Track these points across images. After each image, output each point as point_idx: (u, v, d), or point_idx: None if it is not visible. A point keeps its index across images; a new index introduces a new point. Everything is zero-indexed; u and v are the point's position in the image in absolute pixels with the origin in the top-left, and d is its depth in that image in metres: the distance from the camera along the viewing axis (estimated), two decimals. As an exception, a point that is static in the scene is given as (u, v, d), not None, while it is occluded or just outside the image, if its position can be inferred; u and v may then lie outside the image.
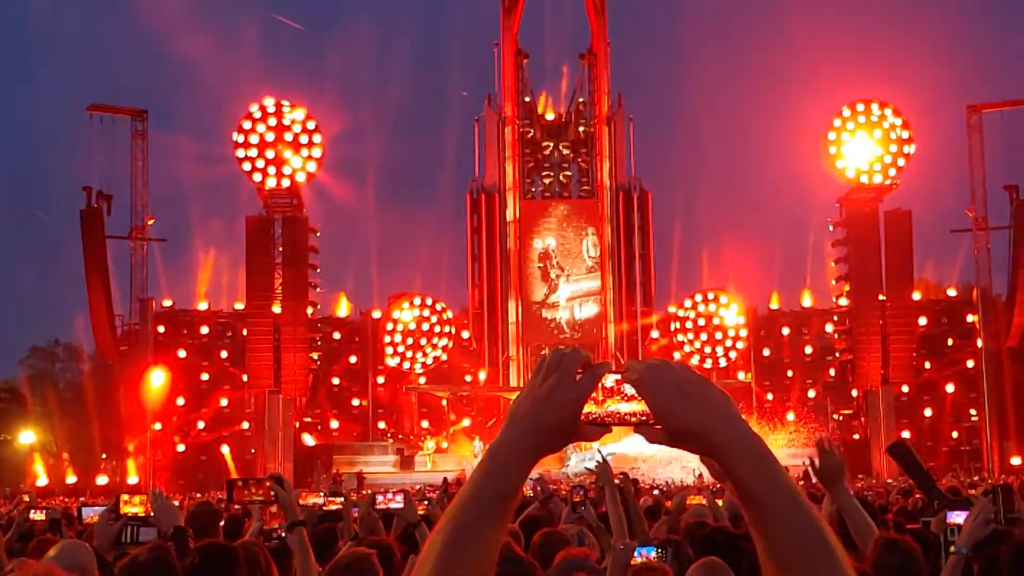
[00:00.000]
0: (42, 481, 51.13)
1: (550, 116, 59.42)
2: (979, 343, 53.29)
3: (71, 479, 51.31)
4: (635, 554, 5.35)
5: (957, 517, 5.89)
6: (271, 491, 5.82)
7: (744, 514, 1.67)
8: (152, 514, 5.95)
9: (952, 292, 57.51)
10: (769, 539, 1.62)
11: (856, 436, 54.11)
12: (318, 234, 54.69)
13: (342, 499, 10.15)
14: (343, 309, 58.16)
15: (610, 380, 1.74)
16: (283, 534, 7.00)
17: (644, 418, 1.70)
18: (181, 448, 53.68)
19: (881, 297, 53.11)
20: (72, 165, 63.90)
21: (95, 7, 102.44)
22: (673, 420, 1.68)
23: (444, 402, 55.96)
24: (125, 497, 6.10)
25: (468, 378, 56.76)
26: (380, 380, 56.85)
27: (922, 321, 54.85)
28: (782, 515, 1.62)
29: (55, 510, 9.80)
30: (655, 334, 56.95)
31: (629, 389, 1.71)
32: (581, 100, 59.45)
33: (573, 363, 1.74)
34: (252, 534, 7.04)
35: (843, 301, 55.65)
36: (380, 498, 7.88)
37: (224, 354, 54.72)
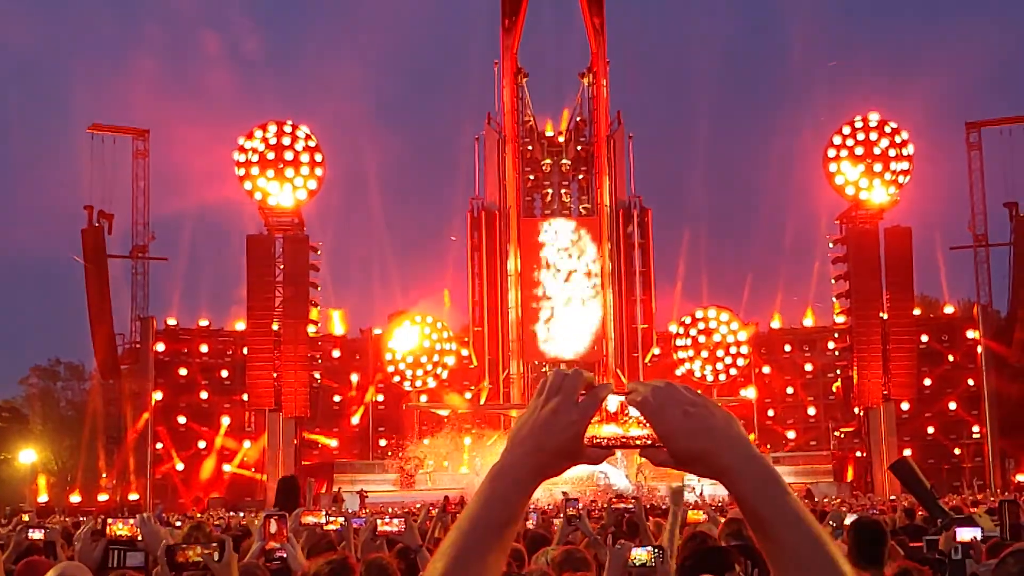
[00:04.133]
0: (42, 499, 51.03)
1: (550, 134, 59.53)
2: (980, 359, 53.27)
3: (75, 498, 51.24)
4: (631, 554, 5.48)
5: (966, 534, 5.89)
6: (213, 558, 5.38)
7: (752, 534, 1.66)
8: (140, 538, 5.84)
9: (950, 309, 57.43)
10: (777, 559, 1.63)
11: (858, 453, 54.01)
12: (319, 252, 54.72)
13: (342, 519, 10.05)
14: (338, 327, 58.16)
15: (613, 402, 1.72)
16: (284, 555, 6.94)
17: (649, 440, 1.68)
18: (180, 467, 53.60)
19: (882, 314, 53.07)
20: (73, 184, 64.02)
21: (101, 27, 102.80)
22: (678, 442, 1.67)
23: (445, 418, 55.90)
24: (111, 520, 5.98)
25: (468, 395, 56.71)
26: (380, 398, 56.84)
27: (923, 338, 54.75)
28: (789, 535, 1.62)
29: (53, 530, 9.71)
30: (656, 351, 56.90)
31: (633, 411, 1.70)
32: (580, 118, 59.59)
33: (575, 385, 1.72)
34: (253, 555, 6.97)
35: (843, 319, 55.61)
36: (379, 522, 7.84)
37: (225, 373, 54.70)
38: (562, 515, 8.29)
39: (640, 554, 5.51)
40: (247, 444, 53.88)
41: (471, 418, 55.84)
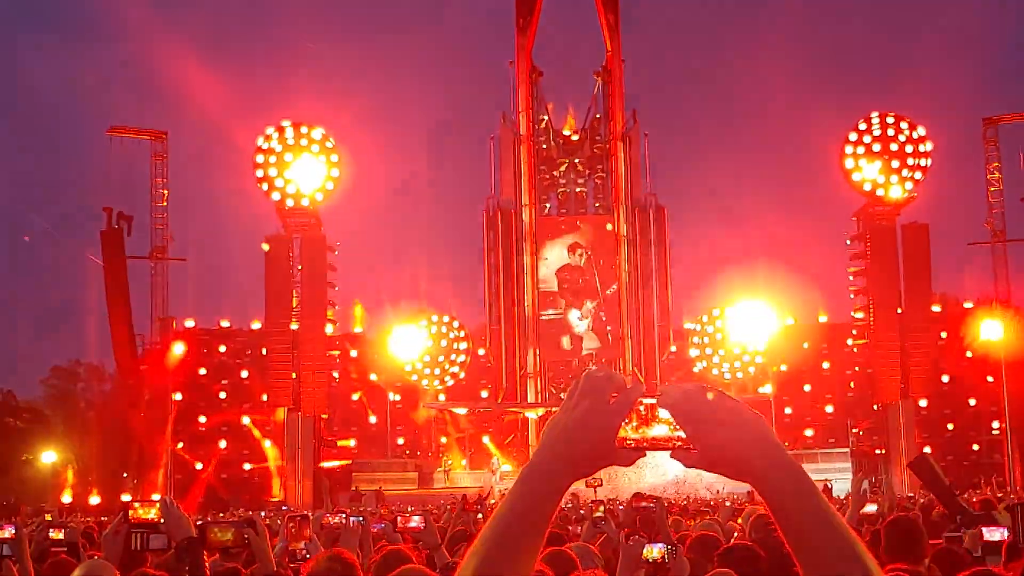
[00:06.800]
0: (66, 499, 51.32)
1: (565, 133, 59.49)
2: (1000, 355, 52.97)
3: (95, 499, 51.45)
4: (644, 550, 5.55)
5: (992, 534, 5.87)
6: (244, 536, 5.31)
7: (782, 537, 1.69)
8: (163, 521, 5.84)
9: (968, 304, 57.12)
10: (807, 562, 1.64)
11: (877, 451, 53.79)
12: (336, 252, 54.85)
13: (360, 518, 10.07)
14: (360, 320, 58.43)
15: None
16: (307, 555, 6.99)
17: (679, 443, 1.71)
18: (199, 467, 53.89)
19: (899, 310, 52.85)
20: (92, 186, 64.35)
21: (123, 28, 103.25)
22: (709, 445, 1.69)
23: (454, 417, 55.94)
24: (137, 505, 5.97)
25: (484, 394, 56.77)
26: (397, 397, 56.95)
27: (942, 334, 54.50)
28: (819, 539, 1.63)
29: (74, 530, 9.77)
30: (673, 349, 56.80)
31: (664, 413, 1.73)
32: (596, 116, 59.51)
33: (607, 386, 1.73)
34: (277, 554, 7.01)
35: (860, 315, 55.40)
36: (399, 519, 7.88)
37: (244, 373, 54.95)
38: (583, 512, 8.33)
39: (653, 550, 5.58)
40: (267, 444, 54.11)
41: (488, 417, 55.92)
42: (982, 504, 10.30)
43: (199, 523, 5.32)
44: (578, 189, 59.33)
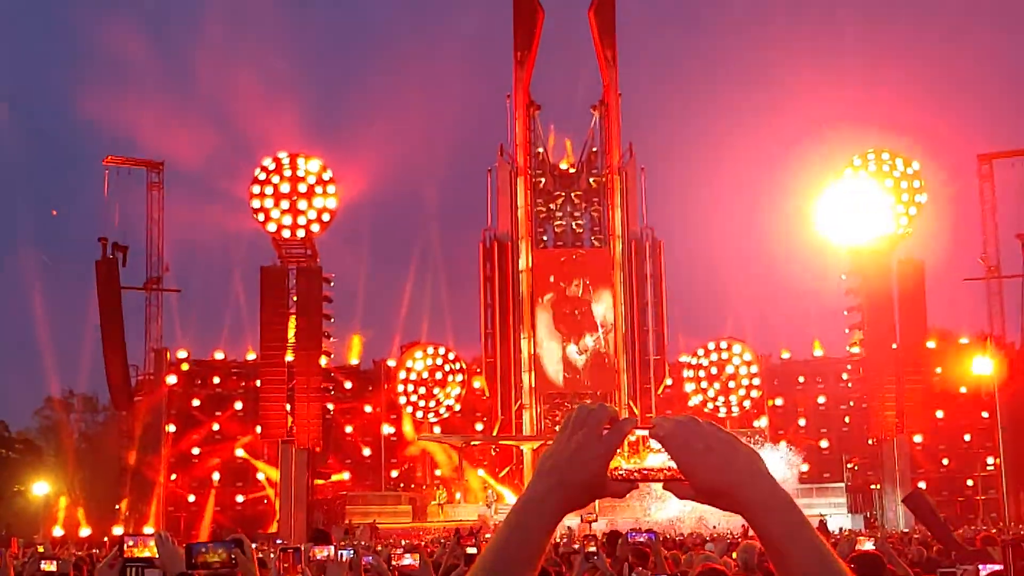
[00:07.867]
0: (58, 532, 50.93)
1: (563, 166, 59.63)
2: (995, 391, 52.91)
3: (85, 531, 51.04)
4: None
5: (988, 571, 5.84)
6: (231, 556, 5.23)
7: (773, 569, 1.70)
8: (157, 557, 5.80)
9: (964, 340, 57.14)
10: None
11: (872, 486, 53.63)
12: (332, 283, 54.81)
13: (352, 552, 10.00)
14: (356, 353, 58.41)
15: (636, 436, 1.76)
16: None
17: (672, 474, 1.72)
18: (192, 499, 53.57)
19: (894, 346, 52.85)
20: (88, 216, 64.43)
21: (107, 58, 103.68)
22: (702, 477, 1.70)
23: (455, 452, 55.70)
24: (131, 542, 5.94)
25: (480, 426, 56.58)
26: (392, 429, 56.75)
27: (937, 370, 54.51)
28: (810, 571, 1.64)
29: (66, 562, 9.72)
30: (669, 383, 56.70)
31: (656, 445, 1.74)
32: (594, 150, 59.69)
33: (600, 419, 1.75)
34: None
35: (856, 350, 55.43)
36: (392, 554, 7.85)
37: (239, 405, 54.75)
38: (578, 545, 8.31)
39: None
40: (261, 476, 53.84)
41: (483, 449, 55.68)
42: (983, 540, 10.26)
43: (185, 545, 5.28)
44: (575, 223, 59.40)
